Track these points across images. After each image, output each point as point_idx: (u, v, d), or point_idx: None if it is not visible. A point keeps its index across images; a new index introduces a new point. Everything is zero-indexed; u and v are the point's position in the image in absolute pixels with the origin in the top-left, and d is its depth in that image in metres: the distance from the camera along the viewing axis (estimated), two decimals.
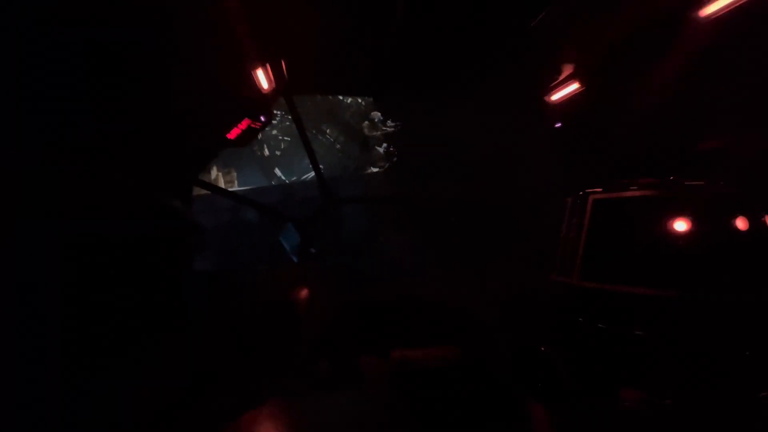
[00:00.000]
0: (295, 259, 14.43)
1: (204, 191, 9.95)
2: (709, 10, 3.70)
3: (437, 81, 6.75)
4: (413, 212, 13.96)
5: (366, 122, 18.65)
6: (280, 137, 21.03)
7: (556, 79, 5.69)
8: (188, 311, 5.31)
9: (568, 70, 5.46)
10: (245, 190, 18.30)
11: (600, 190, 4.19)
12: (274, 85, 5.21)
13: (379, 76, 6.17)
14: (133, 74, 3.64)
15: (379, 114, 18.52)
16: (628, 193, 3.94)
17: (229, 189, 17.67)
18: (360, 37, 5.25)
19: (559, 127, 6.18)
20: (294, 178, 20.68)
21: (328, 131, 20.11)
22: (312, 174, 18.16)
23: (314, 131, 19.40)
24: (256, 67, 4.63)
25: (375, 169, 18.68)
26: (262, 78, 4.87)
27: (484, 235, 10.52)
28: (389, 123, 18.14)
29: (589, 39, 4.94)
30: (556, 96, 5.91)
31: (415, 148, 15.18)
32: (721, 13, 3.68)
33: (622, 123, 5.23)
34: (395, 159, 18.03)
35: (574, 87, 5.54)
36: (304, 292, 7.27)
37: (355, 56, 5.63)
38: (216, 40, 4.03)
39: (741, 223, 3.43)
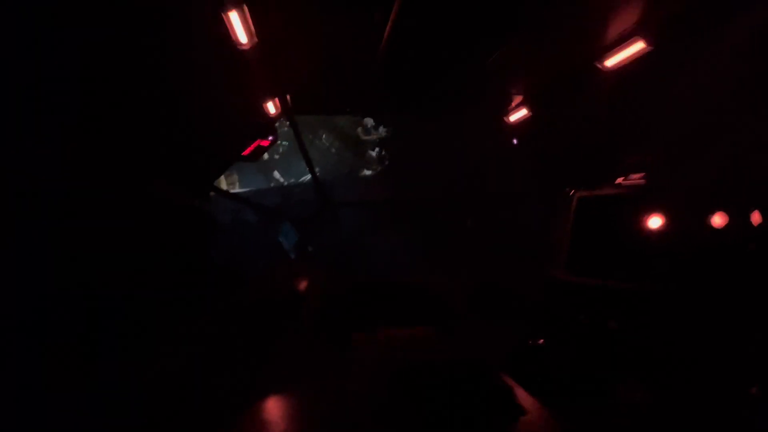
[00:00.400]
0: (292, 257, 15.52)
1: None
2: (609, 62, 4.97)
3: (418, 103, 7.98)
4: (404, 212, 15.18)
5: (360, 128, 19.75)
6: (279, 142, 21.88)
7: (511, 104, 6.96)
8: (209, 293, 6.52)
9: (518, 98, 6.73)
10: (246, 191, 19.20)
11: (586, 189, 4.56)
12: (279, 111, 6.44)
13: (366, 101, 7.42)
14: (173, 110, 4.86)
15: (371, 120, 19.53)
16: (611, 191, 4.19)
17: (231, 191, 18.66)
18: (350, 73, 6.47)
19: (516, 144, 7.44)
20: (292, 180, 21.44)
21: (323, 136, 21.17)
22: (309, 176, 19.24)
23: (311, 136, 20.47)
24: (266, 101, 5.87)
25: (368, 172, 19.77)
26: (271, 107, 6.10)
27: (467, 233, 11.79)
28: (381, 129, 19.24)
29: (532, 74, 6.21)
30: (513, 118, 7.18)
31: (405, 152, 16.40)
32: (618, 65, 4.95)
33: (562, 141, 6.50)
34: (387, 163, 19.14)
35: (524, 112, 6.82)
36: (303, 282, 8.50)
37: (345, 87, 6.86)
38: (237, 81, 5.26)
39: (718, 219, 3.41)
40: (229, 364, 5.12)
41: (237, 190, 20.38)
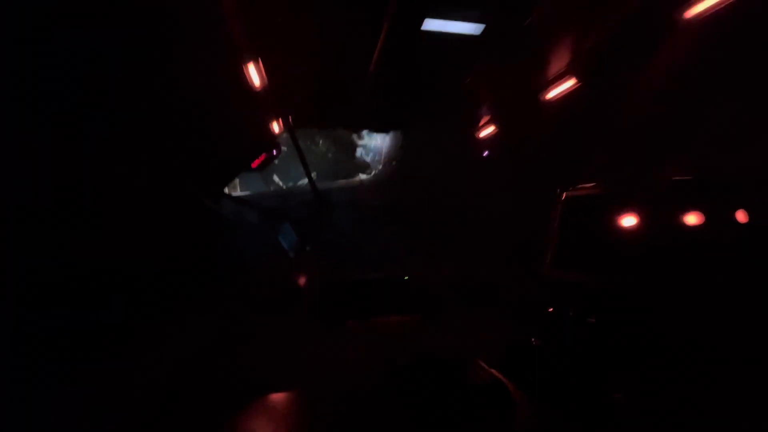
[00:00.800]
0: (291, 256, 16.60)
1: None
2: (548, 95, 6.14)
3: (403, 120, 9.14)
4: (395, 213, 16.31)
5: (354, 134, 20.84)
6: None
7: (481, 122, 8.13)
8: (222, 281, 7.65)
9: (486, 117, 7.90)
10: (247, 194, 20.22)
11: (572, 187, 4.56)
12: (283, 128, 7.57)
13: (357, 118, 8.58)
14: (200, 132, 5.99)
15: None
16: (595, 190, 4.26)
17: (233, 194, 19.68)
18: (343, 95, 7.61)
19: (487, 155, 8.60)
20: (290, 184, 22.42)
21: (320, 142, 22.24)
22: (307, 180, 20.32)
23: (308, 142, 21.53)
24: (272, 121, 7.01)
25: (362, 176, 20.87)
26: (276, 127, 7.23)
27: (450, 231, 12.92)
28: (374, 136, 20.34)
29: (497, 97, 7.37)
30: (483, 134, 8.35)
31: (397, 157, 17.52)
32: (556, 97, 6.10)
33: (528, 155, 7.66)
34: (380, 167, 20.22)
35: (491, 129, 7.99)
36: (303, 275, 9.64)
37: (339, 106, 8.02)
38: (249, 109, 6.40)
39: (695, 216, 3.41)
40: (240, 343, 6.23)
41: (238, 193, 21.27)
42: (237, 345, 5.65)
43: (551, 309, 4.18)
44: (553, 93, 5.94)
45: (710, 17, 3.73)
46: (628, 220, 3.70)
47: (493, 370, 3.27)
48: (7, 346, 3.43)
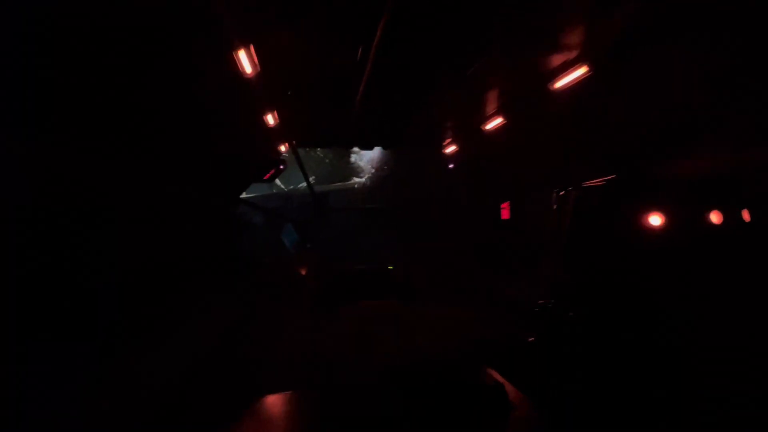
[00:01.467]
0: (293, 252, 18.58)
1: None
2: (486, 127, 8.20)
3: (387, 140, 11.20)
4: (385, 216, 18.39)
5: None
6: None
7: (446, 141, 10.22)
8: (239, 274, 9.73)
9: (449, 137, 10.00)
10: (252, 197, 22.16)
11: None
12: (288, 148, 9.67)
13: (347, 140, 10.69)
14: (229, 156, 8.07)
15: None
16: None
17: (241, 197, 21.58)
18: (335, 124, 9.68)
19: (451, 168, 10.70)
20: (291, 187, 24.24)
21: (318, 149, 24.25)
22: (306, 183, 22.20)
23: (307, 149, 23.50)
24: (280, 144, 9.11)
25: (356, 179, 22.86)
26: (282, 148, 9.32)
27: (430, 230, 14.99)
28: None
29: (458, 124, 9.45)
30: (448, 150, 10.45)
31: (386, 163, 19.58)
32: (491, 130, 8.18)
33: (488, 168, 9.74)
34: (374, 172, 22.23)
35: (454, 147, 10.09)
36: (305, 269, 11.72)
37: (331, 131, 10.10)
38: (265, 137, 8.48)
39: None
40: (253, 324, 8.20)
41: (243, 195, 22.98)
42: (256, 325, 7.58)
43: (554, 309, 3.94)
44: (488, 126, 8.03)
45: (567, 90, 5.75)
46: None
47: (491, 371, 3.26)
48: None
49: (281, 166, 9.72)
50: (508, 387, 3.03)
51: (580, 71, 5.16)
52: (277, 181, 24.82)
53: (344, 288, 10.19)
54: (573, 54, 5.11)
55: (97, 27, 3.15)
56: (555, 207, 4.87)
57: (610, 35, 4.45)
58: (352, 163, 22.71)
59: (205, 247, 8.57)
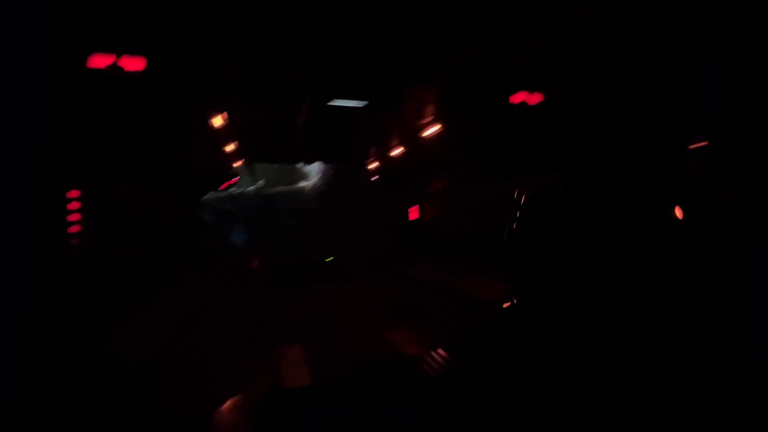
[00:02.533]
0: (243, 249, 20.69)
1: None
2: (393, 153, 11.22)
3: (324, 157, 13.97)
4: (329, 216, 21.04)
5: None
6: None
7: (369, 160, 13.16)
8: (203, 266, 12.03)
9: (371, 157, 12.94)
10: (205, 198, 23.87)
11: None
12: (242, 163, 12.16)
13: (295, 155, 13.36)
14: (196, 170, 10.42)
15: None
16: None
17: None
18: (283, 144, 12.27)
19: (374, 180, 13.66)
20: (241, 190, 26.13)
21: None
22: (255, 186, 24.12)
23: None
24: (236, 161, 11.57)
25: (303, 183, 25.17)
26: (238, 164, 11.79)
27: (369, 230, 17.89)
28: None
29: (375, 150, 12.39)
30: (371, 167, 13.40)
31: (329, 171, 22.24)
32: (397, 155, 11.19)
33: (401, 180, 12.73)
34: (319, 177, 24.70)
35: (376, 164, 13.04)
36: (256, 261, 14.21)
37: (280, 149, 12.68)
38: (220, 156, 10.90)
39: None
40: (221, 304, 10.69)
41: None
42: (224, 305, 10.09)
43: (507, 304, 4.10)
44: (393, 153, 11.05)
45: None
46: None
47: (451, 362, 3.26)
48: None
49: (235, 180, 12.19)
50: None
51: (437, 127, 8.28)
52: None
53: (290, 275, 12.81)
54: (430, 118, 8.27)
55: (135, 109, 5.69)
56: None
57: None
58: (300, 168, 24.92)
59: (178, 243, 10.86)
